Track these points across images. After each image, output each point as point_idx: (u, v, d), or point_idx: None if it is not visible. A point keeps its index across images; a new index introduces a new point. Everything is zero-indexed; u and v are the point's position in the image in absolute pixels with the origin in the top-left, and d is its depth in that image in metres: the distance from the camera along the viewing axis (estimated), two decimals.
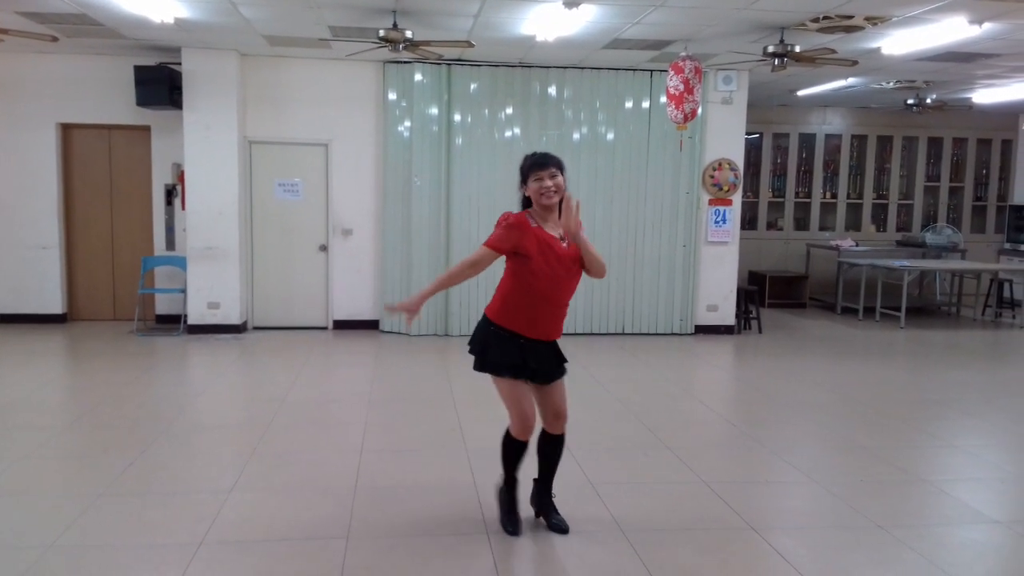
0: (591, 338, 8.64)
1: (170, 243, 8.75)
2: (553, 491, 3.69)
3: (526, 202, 3.44)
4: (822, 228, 11.97)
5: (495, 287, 3.49)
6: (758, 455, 4.84)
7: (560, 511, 3.68)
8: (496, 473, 3.71)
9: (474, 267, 3.32)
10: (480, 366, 3.45)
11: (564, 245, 3.36)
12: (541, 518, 3.69)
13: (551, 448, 3.60)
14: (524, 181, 3.40)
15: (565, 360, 3.55)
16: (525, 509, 3.71)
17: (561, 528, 3.60)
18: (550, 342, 3.47)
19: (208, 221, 8.23)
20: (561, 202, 3.38)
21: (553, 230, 3.38)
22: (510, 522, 3.60)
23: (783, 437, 5.24)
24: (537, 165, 3.36)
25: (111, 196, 8.79)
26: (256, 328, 8.71)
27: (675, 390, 6.61)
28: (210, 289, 8.33)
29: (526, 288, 3.34)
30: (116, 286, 8.89)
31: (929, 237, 11.33)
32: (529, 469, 3.67)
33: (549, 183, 3.33)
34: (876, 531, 3.68)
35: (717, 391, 6.85)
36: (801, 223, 11.98)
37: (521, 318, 3.37)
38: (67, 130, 8.61)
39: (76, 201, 8.73)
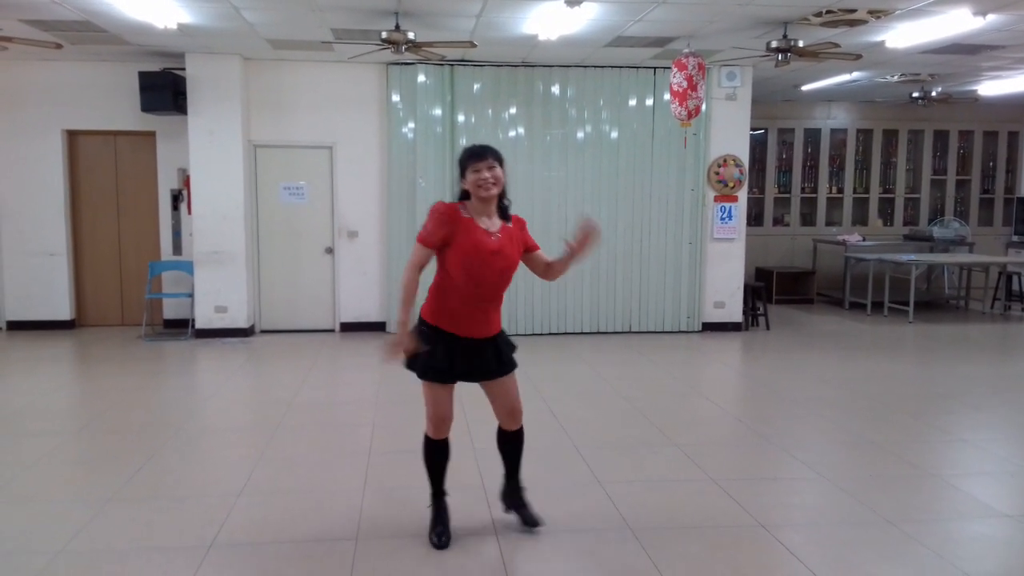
0: (598, 337, 8.63)
1: (177, 248, 8.78)
2: (523, 485, 3.65)
3: (463, 195, 3.35)
4: (829, 223, 11.93)
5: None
6: (766, 451, 4.83)
7: (569, 509, 3.67)
8: (500, 472, 3.69)
9: (418, 268, 3.26)
10: (409, 365, 3.38)
11: (493, 240, 3.27)
12: (512, 512, 3.65)
13: (510, 445, 3.59)
14: (462, 174, 3.31)
15: (511, 356, 3.46)
16: (537, 511, 3.69)
17: (534, 521, 3.57)
18: (490, 340, 3.38)
19: (214, 225, 8.26)
20: (500, 204, 3.36)
21: (486, 224, 3.29)
22: (435, 533, 3.47)
23: (791, 433, 5.23)
24: (475, 156, 3.28)
25: (117, 202, 8.82)
26: (263, 331, 8.73)
27: (682, 387, 6.60)
28: (217, 293, 8.35)
29: (455, 283, 3.27)
30: (124, 291, 8.93)
31: (936, 231, 11.28)
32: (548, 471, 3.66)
33: (487, 175, 3.24)
34: (886, 526, 3.67)
35: (725, 388, 6.84)
36: (807, 218, 11.94)
37: (452, 316, 3.30)
38: (73, 137, 8.65)
39: (83, 207, 8.77)
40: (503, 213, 3.39)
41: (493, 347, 3.40)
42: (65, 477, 4.38)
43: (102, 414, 5.53)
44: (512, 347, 3.51)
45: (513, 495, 3.65)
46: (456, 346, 3.32)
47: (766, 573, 3.27)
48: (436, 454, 3.52)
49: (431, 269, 3.35)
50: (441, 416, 3.42)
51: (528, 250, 3.47)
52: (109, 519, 3.72)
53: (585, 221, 3.33)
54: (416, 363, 3.36)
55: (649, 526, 3.66)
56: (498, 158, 3.31)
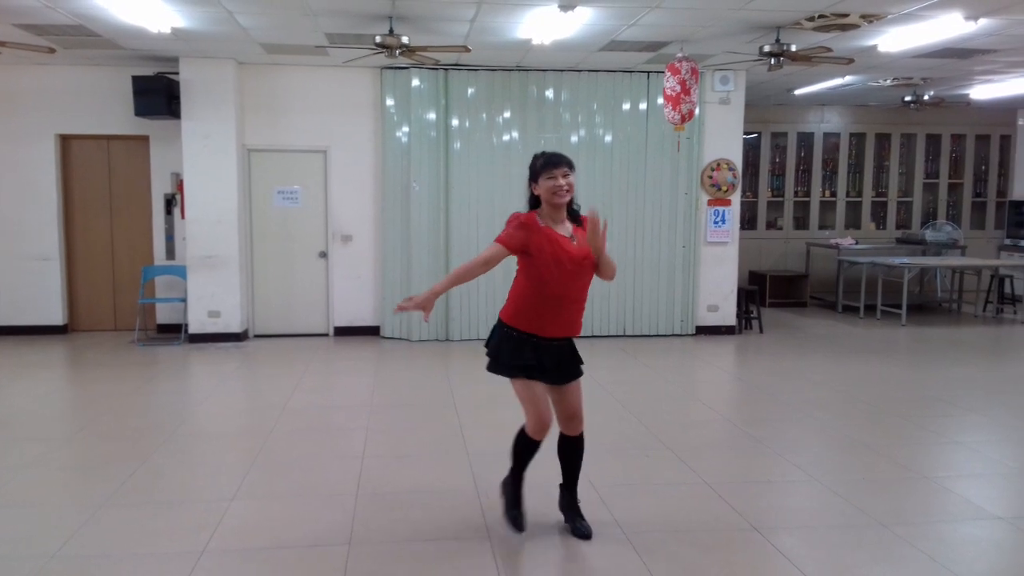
0: (591, 340, 8.63)
1: (170, 252, 8.76)
2: (579, 496, 3.68)
3: (534, 201, 3.43)
4: (822, 227, 11.96)
5: (497, 291, 3.51)
6: (760, 455, 4.84)
7: (557, 515, 3.68)
8: (497, 476, 3.70)
9: (486, 264, 3.32)
10: (494, 368, 3.47)
11: (574, 244, 3.37)
12: (568, 523, 3.65)
13: (569, 450, 3.60)
14: (534, 179, 3.37)
15: (581, 361, 3.55)
16: (537, 511, 3.70)
17: (583, 534, 3.57)
18: (566, 341, 3.48)
19: (208, 230, 8.24)
20: (569, 209, 3.42)
21: (562, 230, 3.38)
22: (510, 516, 3.59)
23: (785, 436, 5.24)
24: (550, 164, 3.34)
25: (111, 206, 8.80)
26: (257, 336, 8.72)
27: (676, 391, 6.60)
28: (211, 298, 8.34)
29: (537, 288, 3.36)
30: (117, 296, 8.91)
31: (929, 234, 11.32)
32: (547, 471, 3.67)
33: (562, 182, 3.32)
34: (878, 529, 3.68)
35: (718, 391, 6.85)
36: (800, 222, 11.97)
37: (534, 318, 3.38)
38: (66, 141, 8.63)
39: (76, 212, 8.75)
40: (573, 216, 3.46)
41: (570, 349, 3.50)
42: (58, 482, 4.37)
43: (95, 419, 5.52)
44: (579, 352, 3.58)
45: (570, 505, 3.67)
46: (540, 346, 3.39)
47: None
48: (529, 450, 3.54)
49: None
50: (541, 415, 3.39)
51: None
52: (102, 524, 3.71)
53: (589, 211, 3.36)
54: (501, 365, 3.42)
55: (642, 529, 3.67)
56: (571, 166, 3.39)
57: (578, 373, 3.52)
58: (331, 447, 4.96)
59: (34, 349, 7.93)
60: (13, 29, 6.64)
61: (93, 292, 8.88)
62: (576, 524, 3.61)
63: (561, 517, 3.69)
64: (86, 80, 8.41)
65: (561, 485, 3.68)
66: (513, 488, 3.64)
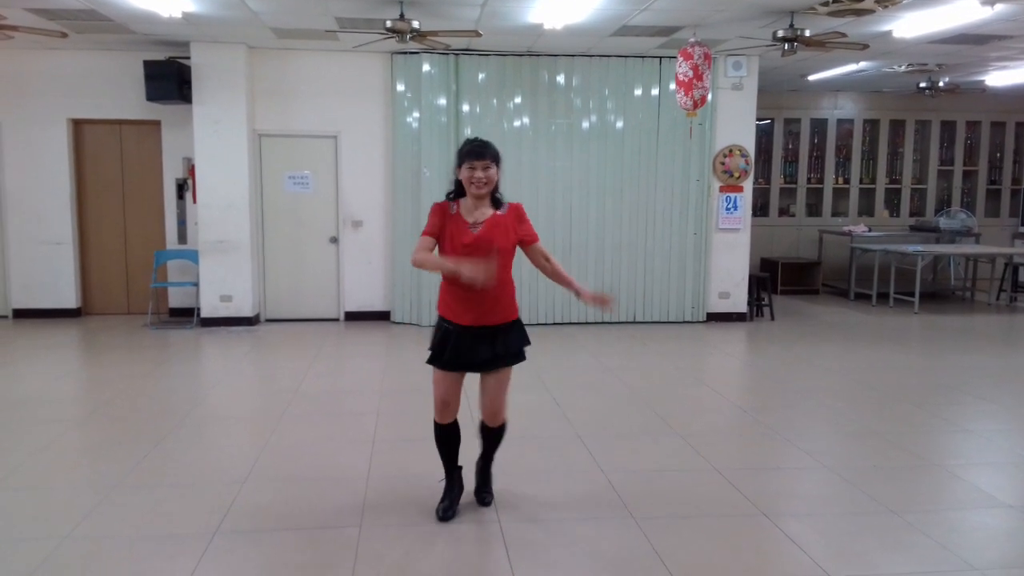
0: (602, 327, 8.64)
1: (182, 237, 8.80)
2: (491, 470, 3.78)
3: (458, 184, 3.42)
4: (835, 214, 11.90)
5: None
6: (770, 441, 4.84)
7: (571, 497, 3.71)
8: (507, 459, 3.73)
9: (421, 251, 3.38)
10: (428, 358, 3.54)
11: (474, 231, 3.35)
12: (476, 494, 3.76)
13: (486, 437, 3.69)
14: (459, 164, 3.38)
15: (510, 352, 3.47)
16: (538, 499, 3.73)
17: (481, 500, 3.71)
18: (495, 328, 3.43)
19: (219, 214, 8.27)
20: (492, 196, 3.44)
21: (472, 215, 3.38)
22: (441, 508, 3.61)
23: (795, 423, 5.23)
24: (473, 154, 3.34)
25: (123, 191, 8.84)
26: (268, 320, 8.76)
27: (686, 377, 6.60)
28: (222, 282, 8.37)
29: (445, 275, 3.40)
30: (129, 280, 8.96)
31: (943, 221, 11.24)
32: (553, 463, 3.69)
33: (480, 174, 3.33)
34: (888, 516, 3.67)
35: (729, 378, 6.84)
36: (813, 209, 11.90)
37: (448, 305, 3.45)
38: (78, 126, 8.66)
39: (88, 196, 8.79)
40: (496, 203, 3.44)
41: (491, 338, 3.43)
42: (71, 464, 4.41)
43: (108, 402, 5.56)
44: (522, 341, 3.53)
45: (481, 475, 3.78)
46: (453, 335, 3.42)
47: (768, 562, 3.28)
48: (442, 437, 3.61)
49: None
50: (442, 400, 3.51)
51: (524, 242, 3.49)
52: (115, 506, 3.74)
53: (605, 298, 3.48)
54: (431, 349, 3.51)
55: (652, 515, 3.67)
56: (496, 158, 3.38)
57: (500, 364, 3.47)
58: (342, 431, 4.99)
59: (48, 332, 8.00)
60: (26, 14, 6.66)
61: (106, 276, 8.94)
62: (478, 488, 3.75)
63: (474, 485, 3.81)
64: (98, 65, 8.43)
65: (480, 454, 3.77)
66: (448, 483, 3.68)
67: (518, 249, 3.52)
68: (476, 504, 3.73)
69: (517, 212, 3.48)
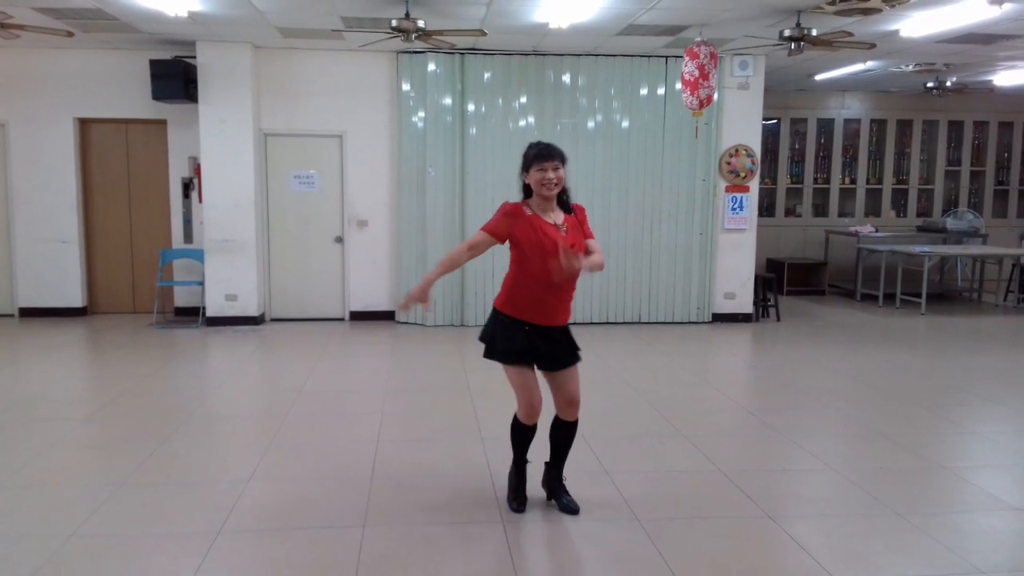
0: (607, 327, 8.62)
1: (188, 236, 8.81)
2: (564, 475, 3.74)
3: (526, 189, 3.51)
4: (841, 214, 11.86)
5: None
6: (775, 443, 4.82)
7: (574, 496, 3.70)
8: (509, 461, 3.72)
9: (472, 250, 3.45)
10: (488, 354, 3.54)
11: (562, 232, 3.42)
12: (552, 500, 3.73)
13: (562, 433, 3.66)
14: (526, 168, 3.45)
15: (578, 348, 3.59)
16: (534, 490, 3.73)
17: (571, 509, 3.65)
18: (558, 328, 3.52)
19: (225, 214, 8.28)
20: (560, 199, 3.50)
21: (551, 218, 3.45)
22: (515, 499, 3.69)
23: (801, 425, 5.21)
24: (542, 156, 3.42)
25: (129, 190, 8.86)
26: (273, 320, 8.77)
27: (692, 378, 6.58)
28: (228, 281, 8.38)
29: (526, 276, 3.43)
30: (135, 279, 8.98)
31: (950, 222, 11.19)
32: (542, 452, 3.68)
33: (551, 175, 3.40)
34: (895, 518, 3.65)
35: (734, 379, 6.82)
36: (820, 209, 11.87)
37: (525, 306, 3.46)
38: (84, 125, 8.68)
39: (94, 195, 8.81)
40: (564, 205, 3.53)
41: (565, 336, 3.54)
42: (77, 462, 4.42)
43: (114, 401, 5.57)
44: (574, 339, 3.62)
45: (554, 483, 3.74)
46: (533, 333, 3.46)
47: (774, 564, 3.27)
48: (524, 435, 3.64)
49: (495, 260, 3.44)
50: (531, 401, 3.49)
51: (587, 240, 3.56)
52: (120, 504, 3.75)
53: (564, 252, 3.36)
54: (495, 351, 3.50)
55: (657, 516, 3.66)
56: (563, 159, 3.46)
57: (574, 360, 3.56)
58: (346, 430, 4.99)
59: (54, 331, 8.02)
60: (32, 13, 6.67)
61: (112, 275, 8.96)
62: (562, 500, 3.69)
63: (543, 494, 3.78)
64: (104, 64, 8.44)
65: (547, 463, 3.75)
66: (516, 475, 3.73)
67: None
68: (559, 512, 3.67)
69: (580, 211, 3.59)
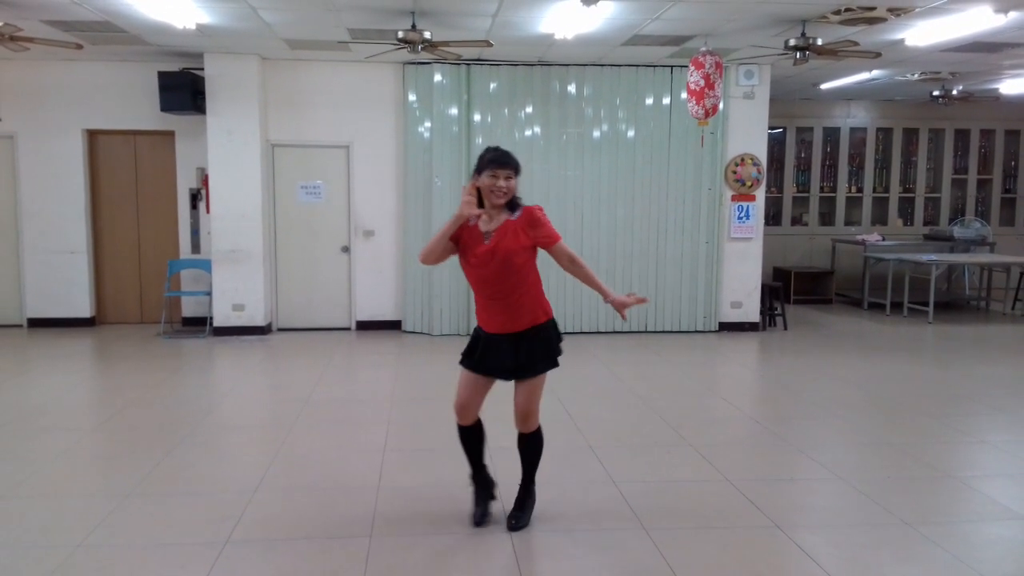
0: (614, 336, 8.62)
1: (195, 246, 8.85)
2: (533, 493, 3.70)
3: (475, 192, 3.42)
4: (848, 223, 11.84)
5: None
6: (783, 452, 4.80)
7: (583, 508, 3.68)
8: (516, 472, 3.71)
9: (441, 256, 3.41)
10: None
11: (485, 241, 3.36)
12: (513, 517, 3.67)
13: (522, 447, 3.63)
14: (479, 171, 3.37)
15: (541, 361, 3.44)
16: (548, 507, 3.71)
17: (512, 523, 3.59)
18: (516, 337, 3.41)
19: (232, 224, 8.31)
20: (509, 201, 3.41)
21: (485, 225, 3.39)
22: (476, 514, 3.65)
23: (809, 434, 5.20)
24: (497, 162, 3.35)
25: (137, 201, 8.91)
26: (280, 330, 8.78)
27: (698, 387, 6.57)
28: (235, 291, 8.41)
29: (471, 283, 3.50)
30: (143, 289, 9.01)
31: (957, 230, 11.16)
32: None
33: (502, 183, 3.33)
34: (903, 528, 3.64)
35: (741, 388, 6.80)
36: (826, 218, 11.85)
37: (478, 312, 3.52)
38: (93, 136, 8.73)
39: (103, 206, 8.86)
40: (512, 206, 3.43)
41: (514, 346, 3.41)
42: (84, 473, 4.43)
43: (121, 411, 5.59)
44: (549, 349, 3.47)
45: (520, 496, 3.68)
46: (482, 340, 3.47)
47: (781, 574, 3.25)
48: (463, 438, 3.64)
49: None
50: (461, 403, 3.54)
51: (543, 246, 3.44)
52: (127, 514, 3.76)
53: (629, 303, 3.52)
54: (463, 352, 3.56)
55: (663, 526, 3.65)
56: (517, 169, 3.41)
57: (531, 373, 3.43)
58: (353, 440, 4.99)
59: (62, 341, 8.05)
60: (41, 25, 6.73)
61: (120, 285, 9.00)
62: (513, 512, 3.64)
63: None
64: (113, 76, 8.51)
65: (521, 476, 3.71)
66: (475, 484, 3.71)
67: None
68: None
69: (530, 216, 3.39)
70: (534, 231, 3.40)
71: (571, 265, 3.49)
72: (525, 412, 3.50)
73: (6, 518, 3.72)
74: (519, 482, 3.70)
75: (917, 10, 6.16)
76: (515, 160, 3.40)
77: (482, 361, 3.46)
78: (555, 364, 3.49)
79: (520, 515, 3.63)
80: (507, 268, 3.34)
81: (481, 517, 3.64)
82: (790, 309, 10.20)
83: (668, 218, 8.72)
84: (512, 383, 3.50)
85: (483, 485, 3.71)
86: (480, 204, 3.37)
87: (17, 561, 3.28)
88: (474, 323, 3.59)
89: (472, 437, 3.62)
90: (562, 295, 8.59)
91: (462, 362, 3.53)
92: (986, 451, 4.87)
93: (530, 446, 3.61)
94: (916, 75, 9.17)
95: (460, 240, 3.39)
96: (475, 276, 3.41)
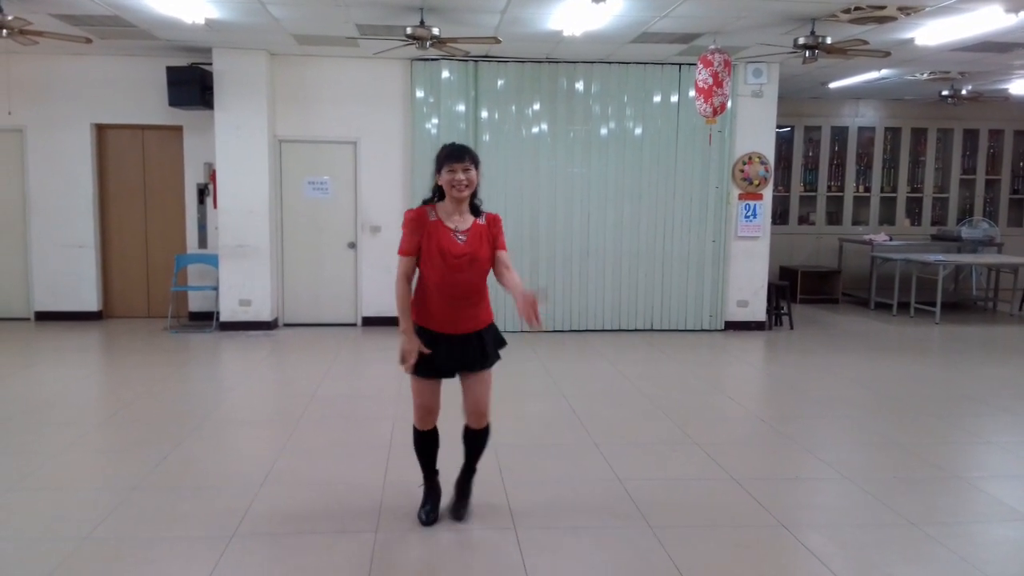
0: (619, 334, 8.61)
1: (202, 241, 8.87)
2: (472, 481, 3.70)
3: (438, 191, 3.43)
4: (855, 222, 11.80)
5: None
6: (789, 451, 4.80)
7: (588, 505, 3.68)
8: (522, 466, 3.72)
9: (406, 279, 3.41)
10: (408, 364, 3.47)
11: (459, 241, 3.34)
12: (454, 499, 3.69)
13: (471, 441, 3.61)
14: (438, 170, 3.38)
15: (492, 353, 3.48)
16: (560, 505, 3.71)
17: (457, 513, 3.62)
18: (463, 336, 3.42)
19: (239, 219, 8.33)
20: (471, 203, 3.43)
21: (454, 223, 3.38)
22: (423, 512, 3.62)
23: (815, 433, 5.19)
24: (452, 156, 3.35)
25: (145, 195, 8.93)
26: (287, 325, 8.80)
27: (704, 386, 6.56)
28: (242, 286, 8.43)
29: (425, 281, 3.41)
30: (150, 284, 9.04)
31: (965, 231, 11.12)
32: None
33: (461, 176, 3.32)
34: (909, 528, 3.63)
35: (747, 387, 6.79)
36: (833, 217, 11.82)
37: (425, 312, 3.42)
38: (101, 130, 8.75)
39: (111, 200, 8.89)
40: (475, 210, 3.44)
41: (478, 341, 3.45)
42: (91, 466, 4.45)
43: (128, 404, 5.61)
44: (500, 343, 3.55)
45: (460, 485, 3.68)
46: (437, 342, 3.40)
47: (786, 573, 3.25)
48: (423, 444, 3.62)
49: None
50: (426, 408, 3.51)
51: (496, 248, 3.47)
52: (134, 507, 3.77)
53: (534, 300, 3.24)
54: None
55: (669, 524, 3.65)
56: (475, 160, 3.39)
57: (479, 366, 3.45)
58: (359, 436, 5.00)
59: (70, 335, 8.07)
60: (50, 19, 6.75)
61: (127, 279, 9.02)
62: (456, 503, 3.65)
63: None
64: (121, 70, 8.52)
65: (462, 466, 3.68)
66: (427, 488, 3.68)
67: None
68: (451, 519, 3.63)
69: (494, 221, 3.47)
70: (495, 232, 3.46)
71: (506, 271, 3.44)
72: (482, 406, 3.51)
73: (13, 511, 3.74)
74: (458, 476, 3.68)
75: (927, 9, 6.13)
76: (471, 152, 3.39)
77: (440, 364, 3.41)
78: (499, 357, 3.55)
79: (466, 504, 3.66)
80: (481, 270, 3.40)
81: (433, 514, 3.62)
82: (796, 308, 10.17)
83: (675, 216, 8.70)
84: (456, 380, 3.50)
85: (435, 490, 3.68)
86: (441, 197, 3.42)
87: (24, 554, 3.30)
88: None
89: (433, 442, 3.61)
90: (569, 292, 8.59)
91: (419, 372, 3.43)
92: (992, 452, 4.85)
93: (481, 440, 3.61)
94: (925, 75, 9.13)
95: (426, 239, 3.35)
96: (445, 277, 3.34)
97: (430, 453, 3.64)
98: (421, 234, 3.36)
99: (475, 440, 3.61)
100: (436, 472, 3.69)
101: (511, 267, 3.48)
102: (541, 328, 3.41)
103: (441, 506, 3.68)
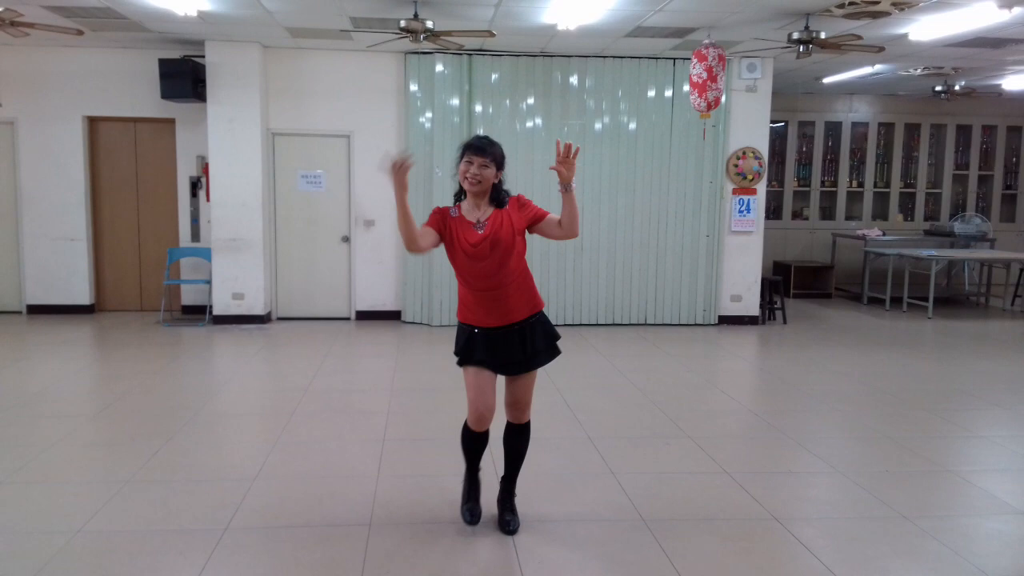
0: (613, 328, 8.62)
1: (195, 235, 8.84)
2: (516, 492, 3.58)
3: (462, 190, 3.39)
4: (848, 217, 11.84)
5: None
6: (782, 445, 4.81)
7: (582, 499, 3.68)
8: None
9: (420, 236, 3.28)
10: (457, 360, 3.43)
11: (479, 230, 3.28)
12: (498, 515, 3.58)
13: (513, 439, 3.51)
14: (461, 156, 3.32)
15: (540, 350, 3.37)
16: (555, 499, 3.72)
17: (508, 527, 3.47)
18: (511, 331, 3.32)
19: (232, 213, 8.30)
20: (494, 193, 3.36)
21: (473, 215, 3.33)
22: (468, 510, 3.55)
23: (807, 427, 5.20)
24: (472, 148, 3.28)
25: (137, 188, 8.89)
26: (280, 319, 8.78)
27: (698, 380, 6.57)
28: (235, 280, 8.41)
29: (459, 278, 3.38)
30: (143, 277, 9.01)
31: (958, 226, 11.16)
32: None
33: (476, 170, 3.26)
34: (901, 522, 3.64)
35: (740, 381, 6.81)
36: (827, 212, 11.85)
37: (467, 309, 3.37)
38: (93, 123, 8.71)
39: (103, 193, 8.85)
40: (498, 200, 3.37)
41: (519, 336, 3.33)
42: (83, 459, 4.43)
43: (120, 398, 5.59)
44: (550, 336, 3.42)
45: (503, 498, 3.57)
46: (482, 336, 3.32)
47: (779, 566, 3.26)
48: (471, 442, 3.49)
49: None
50: (482, 408, 3.31)
51: (534, 222, 3.38)
52: (127, 501, 3.76)
53: (564, 147, 3.28)
54: (457, 355, 3.40)
55: (662, 518, 3.66)
56: (497, 161, 3.32)
57: (532, 365, 3.36)
58: (352, 429, 4.99)
59: (62, 328, 8.04)
60: (42, 11, 6.70)
61: (120, 273, 8.99)
62: (504, 517, 3.51)
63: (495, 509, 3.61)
64: (113, 63, 8.48)
65: (502, 478, 3.58)
66: (468, 483, 3.59)
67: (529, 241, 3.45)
68: (503, 533, 3.46)
69: (518, 201, 3.38)
70: (524, 211, 3.37)
71: (561, 224, 3.34)
72: (525, 401, 3.44)
73: (5, 504, 3.72)
74: (503, 481, 3.58)
75: (921, 4, 6.14)
76: (496, 150, 3.31)
77: (490, 356, 3.31)
78: (559, 351, 3.45)
79: (514, 516, 3.53)
80: (505, 255, 3.28)
81: (477, 511, 3.56)
82: (790, 303, 10.20)
83: (669, 211, 8.71)
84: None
85: (477, 485, 3.60)
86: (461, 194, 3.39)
87: (16, 547, 3.28)
88: None
89: (483, 442, 3.48)
90: (563, 286, 8.60)
91: (466, 361, 3.34)
92: (984, 446, 4.88)
93: (524, 437, 3.51)
94: (919, 70, 9.15)
95: (447, 233, 3.32)
96: (470, 268, 3.28)
97: (476, 450, 3.51)
98: (441, 227, 3.34)
99: (514, 439, 3.49)
100: (479, 468, 3.59)
101: (565, 217, 3.33)
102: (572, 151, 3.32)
103: (484, 517, 3.57)
